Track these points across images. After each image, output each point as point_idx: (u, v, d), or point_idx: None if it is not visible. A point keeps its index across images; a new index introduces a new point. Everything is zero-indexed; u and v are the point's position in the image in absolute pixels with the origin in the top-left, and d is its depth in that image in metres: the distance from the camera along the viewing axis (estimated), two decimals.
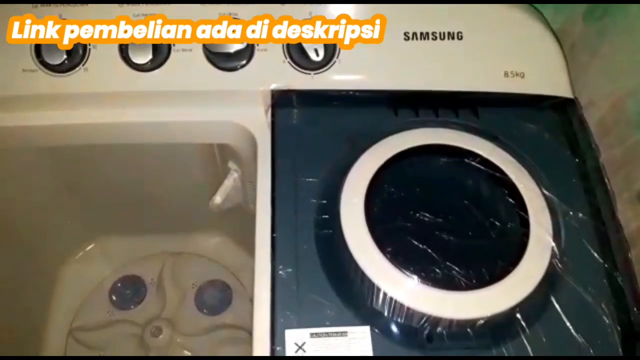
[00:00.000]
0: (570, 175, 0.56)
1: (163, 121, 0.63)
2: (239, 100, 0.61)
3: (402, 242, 0.50)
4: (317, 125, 0.59)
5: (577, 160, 0.57)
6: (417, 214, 0.51)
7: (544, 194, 0.53)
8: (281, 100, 0.59)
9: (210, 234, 0.99)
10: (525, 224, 0.51)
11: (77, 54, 0.59)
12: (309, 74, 0.59)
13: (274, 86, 0.59)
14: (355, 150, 0.55)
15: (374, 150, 0.55)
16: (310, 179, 0.55)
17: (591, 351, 0.47)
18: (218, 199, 0.75)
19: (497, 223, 0.51)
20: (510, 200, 0.52)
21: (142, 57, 0.58)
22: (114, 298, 0.93)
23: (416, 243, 0.50)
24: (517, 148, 0.56)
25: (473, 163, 0.54)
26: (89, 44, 0.59)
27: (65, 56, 0.58)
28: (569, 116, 0.60)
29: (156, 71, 0.59)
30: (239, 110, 0.61)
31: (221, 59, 0.59)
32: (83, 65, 0.59)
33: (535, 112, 0.60)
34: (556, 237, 0.50)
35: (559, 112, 0.61)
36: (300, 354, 0.46)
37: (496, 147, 0.55)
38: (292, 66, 0.60)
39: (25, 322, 0.87)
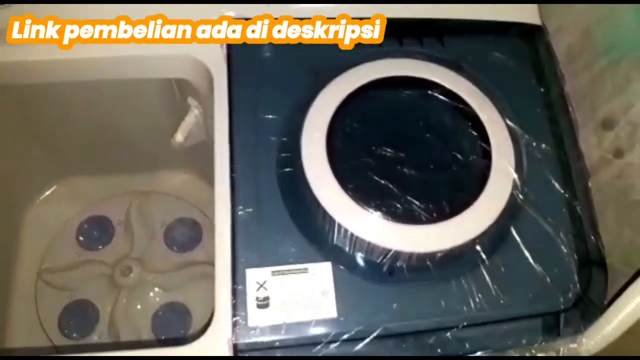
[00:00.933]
0: (535, 105, 0.55)
1: (115, 56, 0.59)
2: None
3: (364, 178, 0.49)
4: (276, 58, 0.57)
5: (542, 89, 0.56)
6: (379, 149, 0.51)
7: (507, 125, 0.52)
8: None
9: (177, 172, 0.96)
10: (487, 155, 0.50)
11: None
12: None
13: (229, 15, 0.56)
14: (316, 84, 0.53)
15: (335, 84, 0.53)
16: (270, 116, 0.53)
17: (547, 279, 0.48)
18: (179, 136, 0.73)
19: (459, 156, 0.50)
20: (473, 132, 0.51)
21: None
22: (81, 239, 0.91)
23: (377, 178, 0.49)
24: (482, 77, 0.55)
25: (436, 94, 0.53)
26: None
27: None
28: (536, 44, 0.59)
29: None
30: (193, 43, 0.58)
31: None
32: None
33: (502, 40, 0.58)
34: (518, 168, 0.50)
35: (526, 39, 0.59)
36: (261, 292, 0.46)
37: (460, 77, 0.54)
38: None
39: None
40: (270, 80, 0.55)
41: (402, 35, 0.57)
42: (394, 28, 0.57)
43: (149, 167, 0.95)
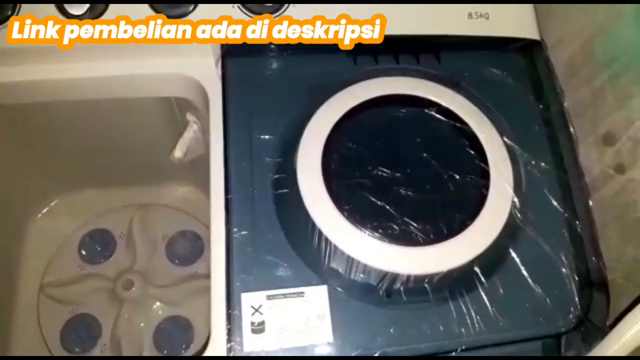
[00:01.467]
0: (534, 122, 0.55)
1: (110, 75, 0.59)
2: (189, 51, 0.57)
3: (360, 199, 0.49)
4: (272, 76, 0.56)
5: (541, 105, 0.56)
6: (376, 169, 0.50)
7: (505, 144, 0.51)
8: (232, 50, 0.56)
9: (178, 185, 0.97)
10: (485, 175, 0.49)
11: (8, 5, 0.54)
12: (262, 20, 0.55)
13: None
14: (312, 103, 0.53)
15: (330, 104, 0.52)
16: (266, 136, 0.53)
17: (548, 301, 0.47)
18: (178, 152, 0.73)
19: (457, 176, 0.50)
20: (471, 151, 0.51)
21: (79, 8, 0.54)
22: (83, 253, 0.92)
23: (374, 199, 0.48)
24: (479, 95, 0.54)
25: (433, 113, 0.52)
26: None
27: None
28: (534, 59, 0.58)
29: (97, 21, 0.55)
30: (190, 62, 0.58)
31: (166, 6, 0.55)
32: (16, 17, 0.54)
33: (499, 56, 0.58)
34: (517, 187, 0.50)
35: (525, 55, 0.58)
36: (257, 316, 0.46)
37: (457, 95, 0.53)
38: (243, 11, 0.55)
39: None
40: (265, 100, 0.54)
41: (398, 52, 0.57)
42: (390, 45, 0.56)
43: (150, 180, 0.95)
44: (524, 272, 0.48)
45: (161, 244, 0.93)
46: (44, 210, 0.94)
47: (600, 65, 0.56)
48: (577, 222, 0.50)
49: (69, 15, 0.54)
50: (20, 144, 0.79)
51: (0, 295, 0.87)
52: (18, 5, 0.54)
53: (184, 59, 0.57)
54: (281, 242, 0.49)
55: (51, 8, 0.54)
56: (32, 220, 0.93)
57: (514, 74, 0.57)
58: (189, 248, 0.93)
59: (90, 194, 0.94)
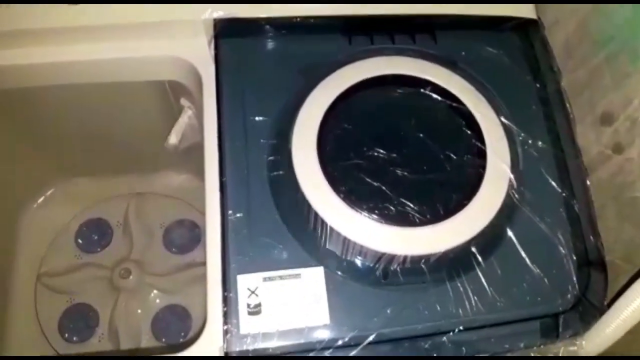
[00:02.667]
0: (531, 102, 0.54)
1: (101, 59, 0.59)
2: (182, 31, 0.56)
3: (356, 180, 0.48)
4: (266, 58, 0.56)
5: (537, 85, 0.55)
6: (372, 150, 0.49)
7: (502, 123, 0.51)
8: (225, 30, 0.55)
9: (174, 173, 0.96)
10: (482, 155, 0.49)
11: None
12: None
13: (216, 15, 0.55)
14: (307, 84, 0.52)
15: (325, 84, 0.51)
16: (260, 118, 0.52)
17: (546, 281, 0.47)
18: (173, 138, 0.72)
19: (453, 155, 0.49)
20: (468, 131, 0.50)
21: None
22: (80, 242, 0.91)
23: (370, 180, 0.48)
24: (476, 74, 0.54)
25: (429, 93, 0.51)
26: None
27: None
28: (531, 38, 0.57)
29: (87, 3, 0.54)
30: (182, 43, 0.57)
31: None
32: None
33: (496, 35, 0.57)
34: (514, 167, 0.49)
35: (521, 34, 0.58)
36: (253, 298, 0.45)
37: (454, 74, 0.53)
38: None
39: None
40: (259, 82, 0.54)
41: (394, 32, 0.56)
42: (386, 25, 0.56)
43: (146, 168, 0.94)
44: (522, 252, 0.48)
45: (158, 233, 0.92)
46: (40, 200, 0.93)
47: (597, 45, 0.55)
48: (575, 202, 0.50)
49: None
50: (14, 132, 0.78)
51: None
52: None
53: (176, 40, 0.57)
54: (277, 224, 0.48)
55: None
56: (27, 209, 0.92)
57: (511, 54, 0.56)
58: (186, 236, 0.92)
59: (87, 182, 0.94)
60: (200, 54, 0.55)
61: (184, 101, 0.70)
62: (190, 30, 0.55)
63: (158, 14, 0.55)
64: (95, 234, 0.92)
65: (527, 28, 0.58)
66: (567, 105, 0.54)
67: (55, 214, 0.92)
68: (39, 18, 0.55)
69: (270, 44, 0.55)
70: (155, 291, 0.87)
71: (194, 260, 0.90)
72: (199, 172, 0.93)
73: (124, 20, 0.55)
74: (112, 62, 0.59)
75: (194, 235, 0.92)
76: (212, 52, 0.54)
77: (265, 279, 0.46)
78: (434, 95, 0.52)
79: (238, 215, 0.48)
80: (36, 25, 0.55)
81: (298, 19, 0.55)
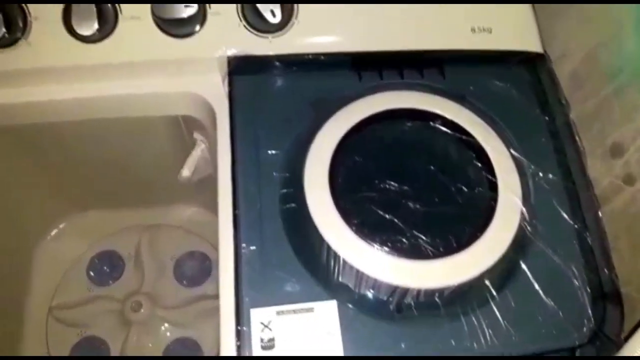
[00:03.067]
0: (540, 134, 0.54)
1: (117, 95, 0.60)
2: (195, 68, 0.58)
3: (368, 213, 0.48)
4: (278, 93, 0.57)
5: (546, 118, 0.55)
6: (383, 183, 0.50)
7: (512, 156, 0.51)
8: (239, 67, 0.56)
9: (186, 205, 0.97)
10: (493, 187, 0.49)
11: (17, 27, 0.55)
12: (267, 37, 0.56)
13: (230, 52, 0.56)
14: (318, 119, 0.53)
15: (337, 118, 0.52)
16: (273, 151, 0.53)
17: (560, 314, 0.46)
18: (186, 171, 0.73)
19: (464, 188, 0.49)
20: (478, 163, 0.51)
21: (88, 28, 0.55)
22: (91, 274, 0.92)
23: (382, 213, 0.48)
24: (484, 108, 0.54)
25: (439, 126, 0.52)
26: (29, 16, 0.55)
27: (4, 30, 0.54)
28: (538, 72, 0.58)
29: (105, 42, 0.56)
30: (196, 80, 0.58)
31: (172, 25, 0.56)
32: (25, 39, 0.55)
33: (503, 69, 0.58)
34: (525, 200, 0.49)
35: (528, 68, 0.58)
36: (266, 333, 0.45)
37: (463, 108, 0.53)
38: (248, 30, 0.56)
39: (3, 305, 0.86)
40: (271, 116, 0.55)
41: (402, 67, 0.57)
42: (395, 60, 0.57)
43: (158, 201, 0.95)
44: (536, 285, 0.47)
45: (169, 265, 0.92)
46: (53, 232, 0.94)
47: (605, 78, 0.56)
48: (588, 234, 0.50)
49: (78, 37, 0.55)
50: (29, 165, 0.80)
51: (9, 318, 0.87)
52: (27, 26, 0.55)
53: (191, 77, 0.58)
54: (289, 257, 0.48)
55: (61, 29, 0.55)
56: (41, 242, 0.93)
57: (519, 87, 0.57)
58: (197, 269, 0.92)
59: (99, 215, 0.95)
60: (214, 90, 0.57)
61: (197, 135, 0.71)
62: (205, 67, 0.57)
63: (174, 52, 0.56)
64: (107, 266, 0.92)
65: (534, 62, 0.58)
66: (577, 137, 0.55)
67: (67, 246, 0.93)
68: (59, 56, 0.56)
69: (282, 80, 0.57)
70: (166, 324, 0.87)
71: (204, 293, 0.90)
72: (210, 205, 0.94)
73: (140, 58, 0.57)
74: (128, 98, 0.60)
75: (205, 267, 0.92)
76: (226, 88, 0.56)
77: (278, 313, 0.46)
78: (444, 129, 0.52)
79: (251, 248, 0.48)
80: (56, 63, 0.56)
81: (309, 56, 0.56)
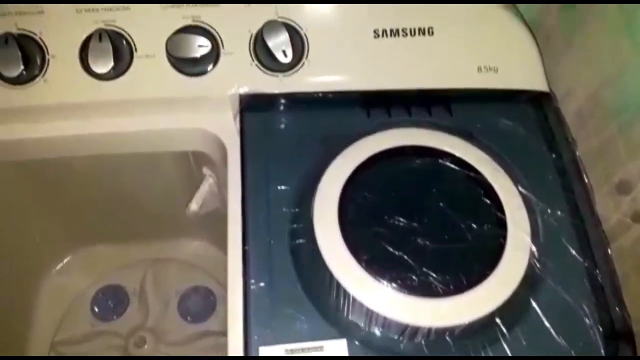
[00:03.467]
0: (547, 172, 0.55)
1: (130, 131, 0.61)
2: (207, 106, 0.59)
3: (378, 249, 0.48)
4: (288, 130, 0.58)
5: (553, 155, 0.56)
6: (392, 219, 0.50)
7: (520, 193, 0.51)
8: (250, 105, 0.57)
9: (191, 239, 0.97)
10: (502, 224, 0.49)
11: (35, 65, 0.56)
12: (278, 76, 0.58)
13: (242, 90, 0.57)
14: (327, 155, 0.54)
15: (345, 155, 0.53)
16: (283, 187, 0.53)
17: (572, 353, 0.46)
18: (194, 205, 0.73)
19: (473, 225, 0.50)
20: (487, 200, 0.51)
21: (103, 66, 0.56)
22: (96, 309, 0.91)
23: (392, 250, 0.48)
24: (492, 145, 0.55)
25: (447, 163, 0.53)
26: (47, 54, 0.56)
27: (22, 67, 0.55)
28: (545, 110, 0.59)
29: (119, 79, 0.57)
30: (208, 116, 0.59)
31: (186, 64, 0.57)
32: (42, 76, 0.57)
33: (510, 107, 0.59)
34: (534, 237, 0.49)
35: (535, 106, 0.59)
36: None
37: (470, 145, 0.54)
38: (260, 69, 0.58)
39: (6, 338, 0.85)
40: (282, 152, 0.55)
41: (410, 105, 0.58)
42: (403, 98, 0.58)
43: (164, 235, 0.95)
44: (547, 323, 0.47)
45: (173, 300, 0.92)
46: (58, 267, 0.94)
47: (609, 116, 0.56)
48: (598, 272, 0.50)
49: (93, 74, 0.56)
50: (36, 199, 0.80)
51: (11, 352, 0.86)
52: (45, 64, 0.56)
53: (203, 114, 0.59)
54: (299, 294, 0.48)
55: (77, 67, 0.56)
56: (45, 276, 0.93)
57: (526, 125, 0.57)
58: (202, 304, 0.92)
59: (105, 249, 0.95)
60: (225, 127, 0.58)
61: (206, 170, 0.72)
62: (217, 104, 0.58)
63: (187, 90, 0.57)
64: (111, 301, 0.92)
65: (540, 100, 0.59)
66: (584, 174, 0.55)
67: (72, 281, 0.93)
68: (74, 93, 0.57)
69: (292, 117, 0.58)
70: None
71: (208, 329, 0.89)
72: (215, 239, 0.95)
73: (154, 95, 0.58)
74: (140, 134, 0.61)
75: (209, 303, 0.92)
76: (238, 125, 0.56)
77: (287, 351, 0.45)
78: (452, 166, 0.53)
79: (260, 284, 0.48)
80: (71, 100, 0.58)
81: (319, 94, 0.57)
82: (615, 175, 0.55)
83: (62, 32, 0.57)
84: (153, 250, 0.95)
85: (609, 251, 0.51)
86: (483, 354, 0.46)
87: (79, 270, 0.94)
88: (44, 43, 0.57)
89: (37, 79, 0.57)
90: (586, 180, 0.55)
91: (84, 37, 0.57)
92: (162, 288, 0.92)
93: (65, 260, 0.94)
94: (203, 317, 0.90)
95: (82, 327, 0.89)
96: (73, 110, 0.59)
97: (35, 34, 0.57)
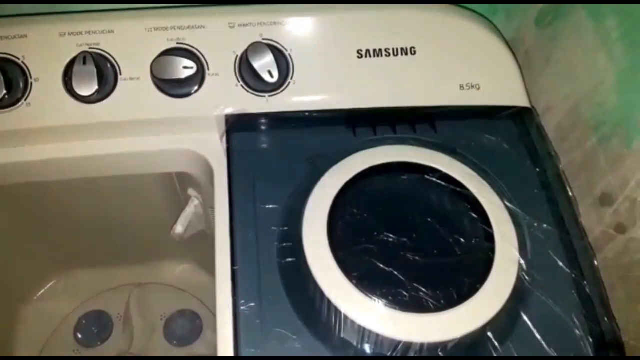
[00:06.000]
0: (532, 186, 0.56)
1: (115, 153, 0.61)
2: (193, 127, 0.59)
3: (368, 266, 0.48)
4: (275, 149, 0.58)
5: (537, 169, 0.57)
6: (382, 235, 0.50)
7: (507, 207, 0.52)
8: (237, 125, 0.58)
9: (176, 262, 0.96)
10: (490, 238, 0.50)
11: (18, 89, 0.56)
12: (264, 96, 0.58)
13: (227, 111, 0.58)
14: (315, 173, 0.54)
15: (333, 172, 0.53)
16: (270, 206, 0.53)
17: None
18: (179, 228, 0.73)
19: (462, 240, 0.50)
20: (474, 215, 0.52)
21: (88, 89, 0.56)
22: (79, 336, 0.89)
23: (382, 266, 0.48)
24: (476, 161, 0.56)
25: (434, 179, 0.53)
26: (30, 78, 0.56)
27: (4, 91, 0.55)
28: (527, 125, 0.60)
29: (104, 102, 0.57)
30: (194, 138, 0.59)
31: (171, 85, 0.57)
32: (25, 100, 0.56)
33: (493, 123, 0.60)
34: (522, 250, 0.50)
35: (517, 121, 0.60)
36: None
37: (456, 161, 0.55)
38: (246, 89, 0.58)
39: None
40: (269, 172, 0.55)
41: (395, 122, 0.59)
42: (388, 116, 0.59)
43: (149, 258, 0.94)
44: (537, 336, 0.47)
45: (159, 325, 0.90)
46: (40, 293, 0.92)
47: (589, 130, 0.58)
48: (586, 283, 0.50)
49: (78, 97, 0.56)
50: (19, 224, 0.79)
51: None
52: (28, 88, 0.56)
53: (189, 135, 0.59)
54: (289, 314, 0.48)
55: (61, 90, 0.56)
56: (27, 302, 0.91)
57: (509, 140, 0.58)
58: (188, 328, 0.91)
59: (88, 274, 0.93)
60: (211, 147, 0.58)
61: (191, 191, 0.72)
62: (202, 125, 0.58)
63: (172, 112, 0.57)
64: (95, 327, 0.90)
65: (522, 116, 0.61)
66: (568, 187, 0.56)
67: (55, 306, 0.91)
68: (58, 116, 0.57)
69: (278, 136, 0.58)
70: None
71: (194, 353, 0.88)
72: (201, 261, 0.94)
73: (139, 117, 0.58)
74: (125, 156, 0.61)
75: (195, 327, 0.91)
76: (225, 145, 0.56)
77: None
78: (439, 182, 0.53)
79: (250, 304, 0.48)
80: (55, 124, 0.57)
81: (305, 113, 0.58)
82: (597, 187, 0.56)
83: (45, 55, 0.57)
84: (137, 274, 0.94)
85: (595, 262, 0.52)
86: None
87: (61, 296, 0.92)
88: (26, 67, 0.56)
89: (20, 103, 0.56)
90: (570, 193, 0.56)
91: (67, 60, 0.56)
92: (147, 312, 0.91)
93: (48, 286, 0.93)
94: (189, 340, 0.89)
95: (65, 353, 0.87)
96: (57, 134, 0.58)
97: (18, 58, 0.56)
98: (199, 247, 0.81)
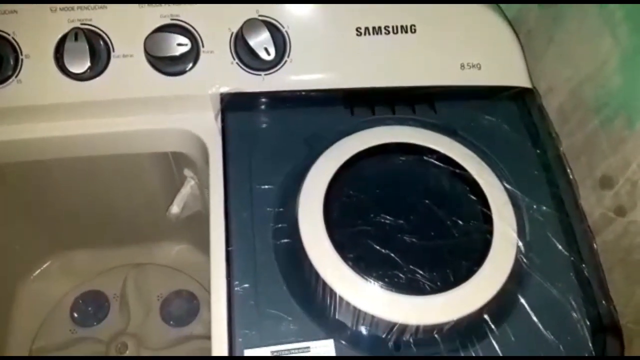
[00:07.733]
0: (532, 167, 0.55)
1: (108, 132, 0.60)
2: (188, 105, 0.58)
3: (364, 248, 0.48)
4: (271, 129, 0.57)
5: (537, 151, 0.56)
6: (378, 217, 0.49)
7: (506, 189, 0.51)
8: (232, 104, 0.57)
9: (173, 243, 0.95)
10: (488, 220, 0.49)
11: (9, 65, 0.55)
12: (260, 74, 0.57)
13: (223, 89, 0.56)
14: (311, 154, 0.53)
15: (330, 153, 0.52)
16: (266, 186, 0.52)
17: (561, 348, 0.46)
18: (175, 208, 0.72)
19: (459, 221, 0.49)
20: (472, 196, 0.51)
21: (80, 66, 0.55)
22: (75, 315, 0.89)
23: (378, 247, 0.48)
24: (476, 142, 0.55)
25: (432, 160, 0.52)
26: (21, 54, 0.55)
27: None
28: (528, 106, 0.59)
29: (96, 80, 0.56)
30: (188, 116, 0.58)
31: (165, 63, 0.56)
32: (16, 77, 0.55)
33: (493, 104, 0.58)
34: (520, 232, 0.49)
35: (518, 102, 0.59)
36: None
37: (455, 142, 0.54)
38: (242, 67, 0.57)
39: None
40: (265, 151, 0.54)
41: (394, 103, 0.58)
42: (386, 96, 0.58)
43: (145, 239, 0.93)
44: (534, 318, 0.47)
45: (155, 305, 0.90)
46: (36, 273, 0.91)
47: (591, 111, 0.57)
48: (584, 266, 0.50)
49: (69, 74, 0.55)
50: (13, 204, 0.78)
51: None
52: (19, 65, 0.55)
53: (183, 114, 0.58)
54: (284, 295, 0.47)
55: (52, 67, 0.55)
56: (23, 283, 0.90)
57: (509, 121, 0.57)
58: (185, 308, 0.91)
59: (84, 255, 0.93)
60: (206, 127, 0.57)
61: (187, 172, 0.71)
62: (197, 104, 0.57)
63: (166, 90, 0.56)
64: (91, 307, 0.90)
65: (523, 96, 0.60)
66: (569, 169, 0.55)
67: (51, 287, 0.91)
68: (49, 94, 0.56)
69: (275, 116, 0.57)
70: None
71: (191, 334, 0.88)
72: (197, 242, 0.94)
73: (132, 95, 0.57)
74: (118, 135, 0.60)
75: (192, 307, 0.90)
76: (220, 124, 0.55)
77: (273, 353, 0.44)
78: (438, 163, 0.53)
79: (245, 285, 0.47)
80: (46, 102, 0.56)
81: (302, 93, 0.57)
82: (598, 169, 0.56)
83: (36, 31, 0.55)
84: (134, 255, 0.93)
85: (594, 245, 0.52)
86: (472, 351, 0.45)
87: (57, 276, 0.92)
88: (17, 43, 0.55)
89: (11, 80, 0.55)
90: (570, 176, 0.55)
91: (59, 36, 0.55)
92: (143, 292, 0.90)
93: (44, 266, 0.92)
94: (186, 320, 0.89)
95: (62, 333, 0.87)
96: (48, 112, 0.57)
97: (8, 34, 0.55)
98: (196, 227, 0.80)
